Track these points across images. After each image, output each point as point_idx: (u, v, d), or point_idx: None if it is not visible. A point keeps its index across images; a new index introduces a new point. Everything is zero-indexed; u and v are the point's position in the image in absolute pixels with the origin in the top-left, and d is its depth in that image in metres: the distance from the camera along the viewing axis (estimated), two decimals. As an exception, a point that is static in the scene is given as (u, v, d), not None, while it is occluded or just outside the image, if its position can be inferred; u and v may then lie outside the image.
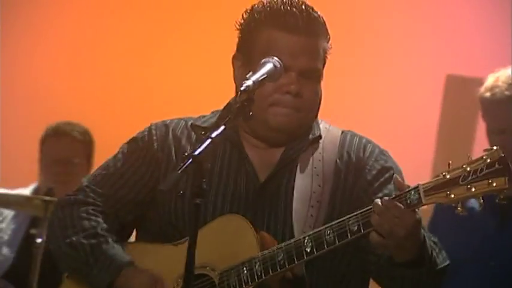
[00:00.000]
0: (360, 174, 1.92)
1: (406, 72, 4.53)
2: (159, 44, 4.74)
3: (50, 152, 3.81)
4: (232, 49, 1.98)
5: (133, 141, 2.03)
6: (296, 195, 1.88)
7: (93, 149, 3.89)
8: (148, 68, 4.72)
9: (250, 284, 1.79)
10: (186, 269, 1.58)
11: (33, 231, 3.28)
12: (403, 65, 4.53)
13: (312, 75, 1.90)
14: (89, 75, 4.76)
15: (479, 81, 4.53)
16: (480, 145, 4.46)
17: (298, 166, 1.92)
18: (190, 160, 1.57)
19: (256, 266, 1.79)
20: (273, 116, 1.89)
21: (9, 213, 3.77)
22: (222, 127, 1.67)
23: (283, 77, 1.82)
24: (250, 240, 1.82)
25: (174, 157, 1.96)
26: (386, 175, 1.91)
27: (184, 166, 1.57)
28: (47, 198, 3.24)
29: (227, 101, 1.98)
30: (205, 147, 1.61)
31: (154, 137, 1.99)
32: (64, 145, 3.83)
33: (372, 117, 4.30)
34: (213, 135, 1.64)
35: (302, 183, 1.90)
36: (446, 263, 1.86)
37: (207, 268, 1.83)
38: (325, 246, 1.75)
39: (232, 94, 1.92)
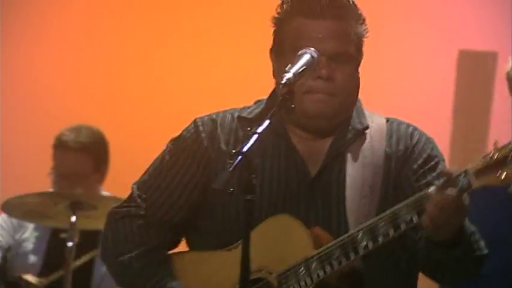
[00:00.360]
0: (406, 162, 1.90)
1: (418, 50, 4.51)
2: (159, 44, 4.69)
3: (55, 165, 3.72)
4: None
5: (179, 139, 1.99)
6: (348, 187, 1.86)
7: (105, 155, 3.77)
8: (150, 68, 4.68)
9: (310, 284, 1.77)
10: (241, 271, 1.56)
11: (63, 235, 3.27)
12: (414, 42, 4.51)
13: (343, 58, 1.87)
14: (92, 76, 4.72)
15: (492, 55, 4.55)
16: (496, 118, 4.48)
17: (348, 157, 1.90)
18: (240, 157, 1.56)
19: (313, 266, 1.77)
20: (309, 103, 1.87)
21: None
22: (267, 121, 1.65)
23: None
24: (304, 239, 1.80)
25: (224, 152, 1.92)
26: (432, 163, 1.90)
27: (235, 163, 1.55)
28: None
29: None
30: (253, 143, 1.59)
31: (203, 134, 1.95)
32: (67, 160, 3.69)
33: (386, 96, 4.28)
34: (259, 130, 1.62)
35: (353, 174, 1.87)
36: (485, 252, 1.85)
37: (263, 272, 1.80)
38: (381, 239, 1.74)
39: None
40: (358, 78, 1.93)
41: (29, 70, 4.75)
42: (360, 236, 1.75)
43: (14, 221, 3.73)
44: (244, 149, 1.57)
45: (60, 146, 3.69)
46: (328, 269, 1.76)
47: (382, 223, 1.74)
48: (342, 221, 1.85)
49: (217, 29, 4.60)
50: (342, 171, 1.89)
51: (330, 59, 1.85)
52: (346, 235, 1.77)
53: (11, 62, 4.69)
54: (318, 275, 1.77)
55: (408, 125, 1.97)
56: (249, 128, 1.68)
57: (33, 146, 4.43)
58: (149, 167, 2.01)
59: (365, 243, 1.74)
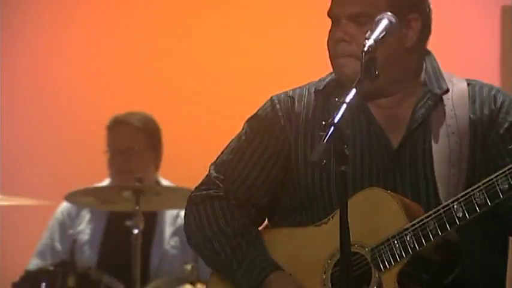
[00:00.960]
0: (492, 127, 1.86)
1: (460, 8, 4.45)
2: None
3: (110, 142, 3.79)
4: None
5: (255, 118, 1.97)
6: (435, 157, 1.82)
7: (159, 137, 3.83)
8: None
9: (404, 257, 1.73)
10: (341, 242, 1.54)
11: (128, 223, 3.29)
12: (455, 1, 4.45)
13: (362, 20, 1.82)
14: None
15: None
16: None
17: (431, 126, 1.86)
18: (333, 128, 1.54)
19: (408, 238, 1.73)
20: (337, 69, 1.87)
21: (86, 214, 3.81)
22: (354, 90, 1.62)
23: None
24: (396, 212, 1.76)
25: (303, 128, 1.91)
26: None
27: (328, 135, 1.53)
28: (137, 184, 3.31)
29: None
30: (343, 113, 1.57)
31: (279, 112, 1.93)
32: (122, 135, 3.80)
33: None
34: (348, 99, 1.60)
35: (439, 143, 1.83)
36: None
37: (356, 246, 1.76)
38: (477, 210, 1.69)
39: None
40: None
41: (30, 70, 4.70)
42: (455, 206, 1.71)
43: (71, 212, 3.79)
44: (336, 120, 1.55)
45: (115, 122, 3.79)
46: (423, 241, 1.72)
47: (478, 193, 1.69)
48: (431, 193, 1.82)
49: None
50: (427, 141, 1.85)
51: (350, 20, 1.83)
52: (441, 206, 1.74)
53: (11, 61, 4.66)
54: (413, 248, 1.73)
55: (490, 88, 1.91)
56: (336, 99, 1.65)
57: (35, 149, 4.49)
58: (225, 148, 1.99)
59: (461, 214, 1.70)
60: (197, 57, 4.58)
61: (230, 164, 1.96)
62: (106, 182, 3.84)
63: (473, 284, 1.84)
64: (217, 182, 1.95)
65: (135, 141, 3.77)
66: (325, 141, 1.54)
